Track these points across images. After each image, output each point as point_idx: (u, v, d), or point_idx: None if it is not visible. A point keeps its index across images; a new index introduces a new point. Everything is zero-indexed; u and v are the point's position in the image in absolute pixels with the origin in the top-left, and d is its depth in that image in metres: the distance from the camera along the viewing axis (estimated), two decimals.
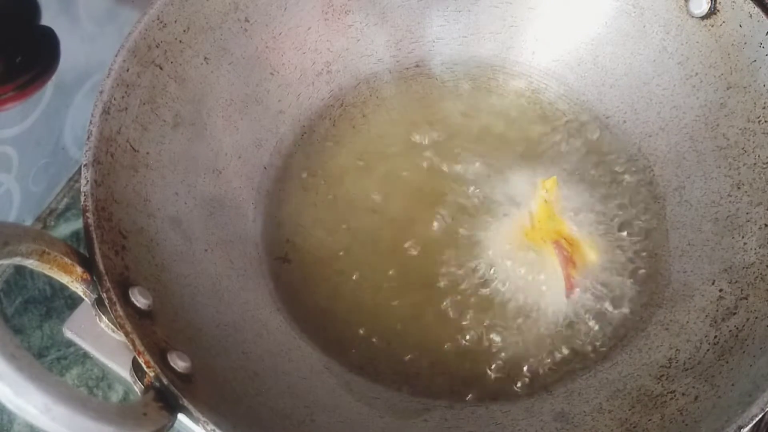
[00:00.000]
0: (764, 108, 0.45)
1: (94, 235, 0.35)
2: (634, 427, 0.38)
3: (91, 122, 0.38)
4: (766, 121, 0.45)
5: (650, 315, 0.45)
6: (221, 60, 0.47)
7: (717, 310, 0.42)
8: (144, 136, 0.42)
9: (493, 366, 0.44)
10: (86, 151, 0.38)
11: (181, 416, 0.32)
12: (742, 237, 0.44)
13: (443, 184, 0.50)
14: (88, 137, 0.38)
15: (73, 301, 0.57)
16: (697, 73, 0.49)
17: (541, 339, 0.45)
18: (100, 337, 0.44)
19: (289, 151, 0.52)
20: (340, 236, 0.48)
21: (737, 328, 0.40)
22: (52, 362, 0.56)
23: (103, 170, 0.38)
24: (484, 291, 0.46)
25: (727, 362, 0.39)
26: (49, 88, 0.54)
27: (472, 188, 0.50)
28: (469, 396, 0.43)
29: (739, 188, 0.45)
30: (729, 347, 0.40)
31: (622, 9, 0.52)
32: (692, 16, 0.48)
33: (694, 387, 0.39)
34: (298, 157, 0.51)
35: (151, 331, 0.34)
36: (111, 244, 0.36)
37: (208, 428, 0.32)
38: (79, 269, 0.34)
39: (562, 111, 0.54)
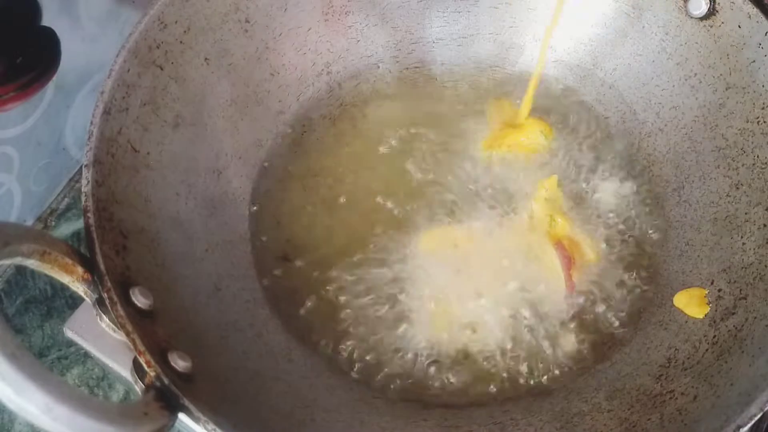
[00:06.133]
0: (763, 108, 0.45)
1: (95, 235, 0.35)
2: (633, 426, 0.39)
3: (92, 123, 0.38)
4: (764, 122, 0.45)
5: (649, 315, 0.45)
6: (222, 61, 0.48)
7: (716, 310, 0.42)
8: (145, 137, 0.42)
9: (493, 366, 0.44)
10: (87, 151, 0.38)
11: (181, 416, 0.32)
12: (741, 237, 0.44)
13: (444, 183, 0.50)
14: (89, 137, 0.38)
15: (74, 301, 0.57)
16: (696, 74, 0.49)
17: (540, 338, 0.45)
18: (100, 337, 0.44)
19: (289, 152, 0.52)
20: (340, 236, 0.48)
21: (736, 328, 0.40)
22: (53, 362, 0.56)
23: (104, 170, 0.38)
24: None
25: (726, 362, 0.39)
26: (50, 88, 0.54)
27: (473, 187, 0.50)
28: (469, 396, 0.43)
29: (738, 188, 0.45)
30: (728, 347, 0.40)
31: (621, 10, 0.52)
32: (691, 17, 0.48)
33: (693, 386, 0.39)
34: (299, 157, 0.52)
35: (151, 330, 0.34)
36: (112, 244, 0.36)
37: (209, 428, 0.32)
38: (80, 269, 0.34)
39: (561, 112, 0.54)
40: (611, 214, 0.49)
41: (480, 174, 0.51)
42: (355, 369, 0.44)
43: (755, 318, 0.40)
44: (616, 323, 0.45)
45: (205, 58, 0.47)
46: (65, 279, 0.34)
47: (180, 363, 0.34)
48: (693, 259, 0.46)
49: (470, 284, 0.46)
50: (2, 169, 0.54)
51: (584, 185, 0.50)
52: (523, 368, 0.44)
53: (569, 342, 0.45)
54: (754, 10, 0.45)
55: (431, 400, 0.43)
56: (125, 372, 0.44)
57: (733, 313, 0.41)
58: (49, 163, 0.59)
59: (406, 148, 0.52)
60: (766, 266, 0.42)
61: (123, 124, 0.40)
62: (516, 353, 0.44)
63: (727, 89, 0.47)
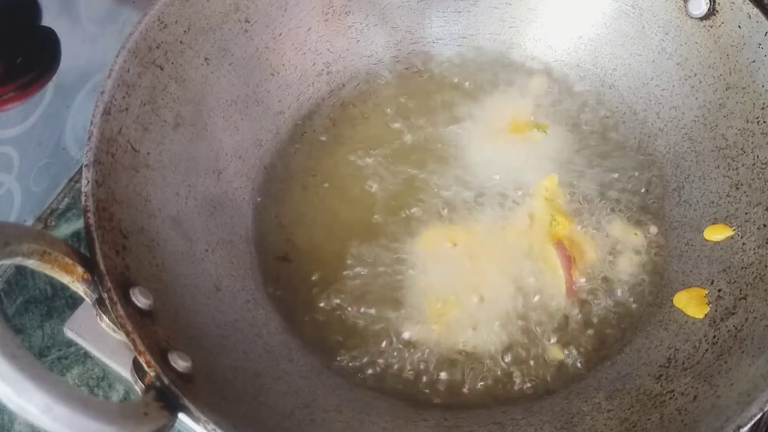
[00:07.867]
0: (763, 108, 0.45)
1: (95, 235, 0.35)
2: (634, 426, 0.39)
3: (92, 123, 0.38)
4: (764, 122, 0.45)
5: (649, 315, 0.45)
6: (222, 61, 0.48)
7: (716, 310, 0.42)
8: (145, 137, 0.42)
9: (493, 365, 0.44)
10: (87, 151, 0.38)
11: (181, 416, 0.32)
12: (741, 237, 0.44)
13: (444, 182, 0.50)
14: (89, 137, 0.38)
15: (74, 301, 0.57)
16: (696, 74, 0.49)
17: (540, 338, 0.45)
18: (100, 337, 0.44)
19: (289, 152, 0.52)
20: (340, 236, 0.48)
21: (736, 328, 0.40)
22: (53, 362, 0.56)
23: (104, 170, 0.38)
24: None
25: (726, 362, 0.39)
26: (50, 88, 0.54)
27: (473, 187, 0.50)
28: (469, 396, 0.43)
29: (737, 188, 0.45)
30: (728, 347, 0.40)
31: (621, 10, 0.52)
32: (691, 17, 0.48)
33: (693, 387, 0.39)
34: (299, 157, 0.52)
35: (151, 330, 0.34)
36: (112, 244, 0.36)
37: (209, 427, 0.32)
38: (80, 269, 0.34)
39: (561, 112, 0.54)
40: (611, 214, 0.49)
41: (480, 173, 0.51)
42: (355, 369, 0.44)
43: (755, 318, 0.40)
44: (616, 323, 0.45)
45: (205, 58, 0.47)
46: (65, 279, 0.34)
47: (180, 363, 0.34)
48: (693, 259, 0.46)
49: (470, 283, 0.46)
50: (2, 169, 0.54)
51: (585, 185, 0.50)
52: (523, 368, 0.44)
53: (569, 342, 0.45)
54: (754, 10, 0.45)
55: (431, 400, 0.43)
56: (125, 372, 0.44)
57: (733, 313, 0.41)
58: (49, 163, 0.59)
59: (406, 147, 0.52)
60: (766, 266, 0.42)
61: (123, 124, 0.40)
62: (516, 353, 0.44)
63: (727, 89, 0.47)
